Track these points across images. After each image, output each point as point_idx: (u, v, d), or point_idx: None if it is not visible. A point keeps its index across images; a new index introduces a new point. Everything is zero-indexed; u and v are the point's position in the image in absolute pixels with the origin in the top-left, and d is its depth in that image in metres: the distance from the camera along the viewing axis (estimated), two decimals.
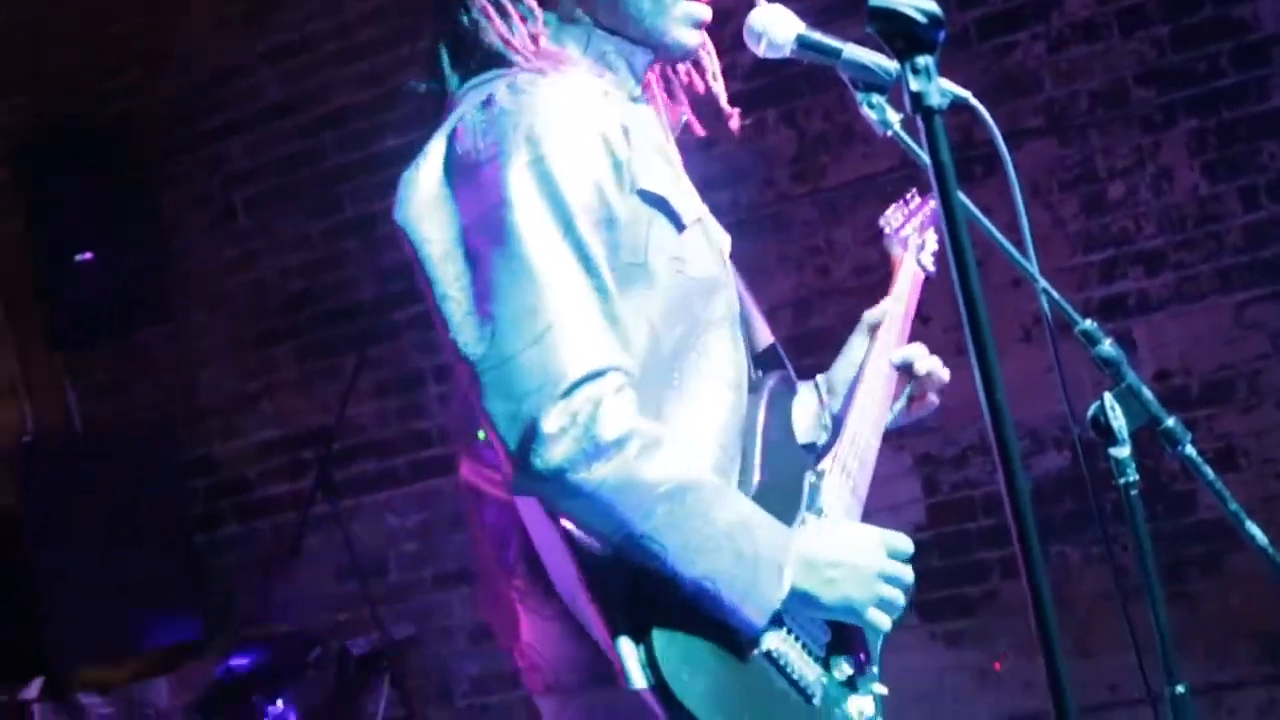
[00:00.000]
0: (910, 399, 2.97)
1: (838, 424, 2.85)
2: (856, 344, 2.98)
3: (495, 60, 2.48)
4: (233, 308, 6.82)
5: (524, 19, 2.49)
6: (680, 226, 2.45)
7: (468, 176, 2.35)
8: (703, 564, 2.28)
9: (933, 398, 2.99)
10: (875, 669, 2.62)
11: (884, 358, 2.91)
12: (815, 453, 2.79)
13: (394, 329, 6.33)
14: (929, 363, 2.96)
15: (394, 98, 6.28)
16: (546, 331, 2.23)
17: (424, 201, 2.38)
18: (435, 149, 2.41)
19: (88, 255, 6.60)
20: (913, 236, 3.19)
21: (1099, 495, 2.64)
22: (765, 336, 2.73)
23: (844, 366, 2.97)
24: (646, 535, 2.26)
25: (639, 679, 2.26)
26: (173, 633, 6.54)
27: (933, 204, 3.25)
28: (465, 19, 2.50)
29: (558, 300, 2.25)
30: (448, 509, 6.32)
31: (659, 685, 2.25)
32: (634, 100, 2.59)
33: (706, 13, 2.59)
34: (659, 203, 2.44)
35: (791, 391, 2.71)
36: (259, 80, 6.72)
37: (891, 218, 3.21)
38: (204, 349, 6.88)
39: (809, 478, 2.62)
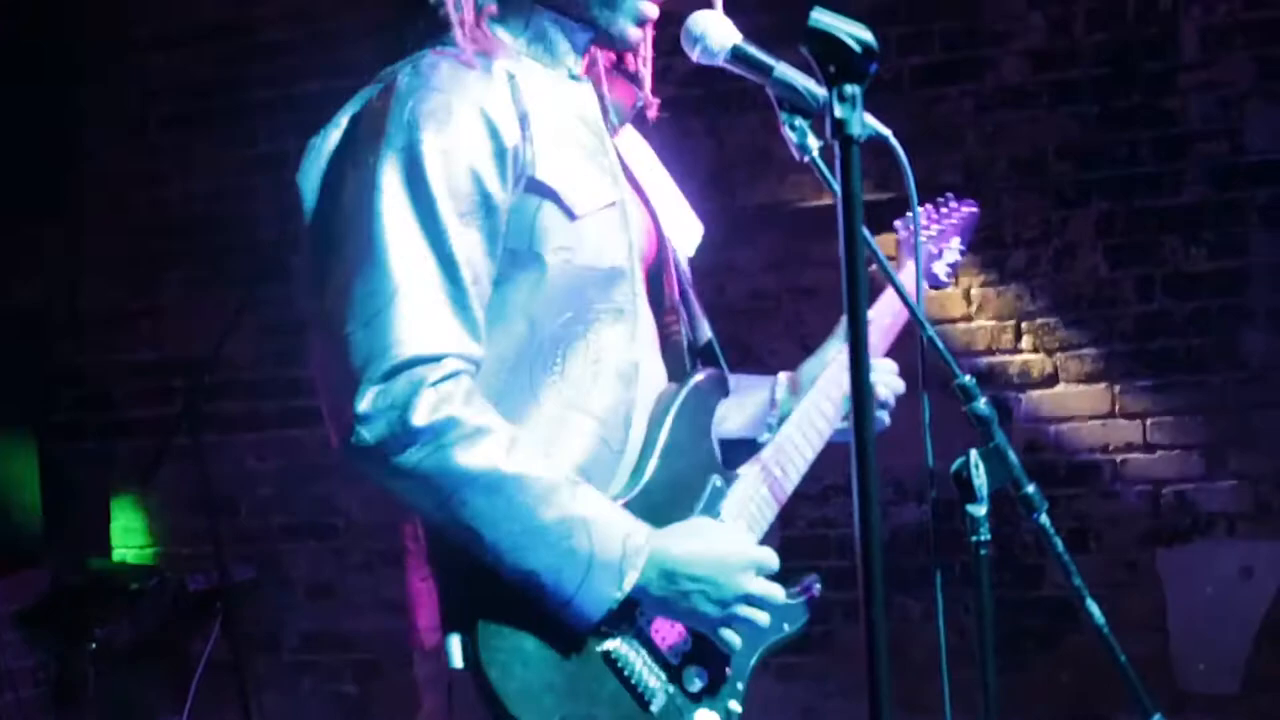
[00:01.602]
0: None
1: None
2: (832, 348, 2.90)
3: (439, 29, 2.48)
4: (130, 221, 6.72)
5: None
6: (572, 216, 2.45)
7: (357, 158, 2.38)
8: (526, 558, 2.32)
9: (882, 416, 2.87)
10: (740, 686, 2.63)
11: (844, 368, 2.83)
12: (754, 450, 2.75)
13: (286, 272, 6.27)
14: (883, 378, 2.87)
15: (326, 39, 6.23)
16: (379, 313, 2.28)
17: (319, 171, 2.43)
18: (343, 121, 2.45)
19: None
20: (928, 244, 3.07)
21: (950, 557, 2.65)
22: (704, 332, 2.72)
23: (811, 367, 2.89)
24: (462, 523, 2.31)
25: (457, 660, 2.33)
26: (12, 536, 6.44)
27: (968, 210, 3.19)
28: None
29: (399, 285, 2.29)
30: (308, 460, 6.26)
31: (476, 674, 2.31)
32: (572, 78, 2.60)
33: (654, 11, 2.59)
34: (548, 192, 2.44)
35: (717, 390, 2.67)
36: None
37: (911, 220, 2.92)
38: (94, 257, 6.78)
39: (714, 480, 2.62)
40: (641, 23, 2.59)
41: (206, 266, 6.57)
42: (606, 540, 2.36)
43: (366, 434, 2.27)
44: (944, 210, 3.14)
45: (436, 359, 2.29)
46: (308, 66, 6.30)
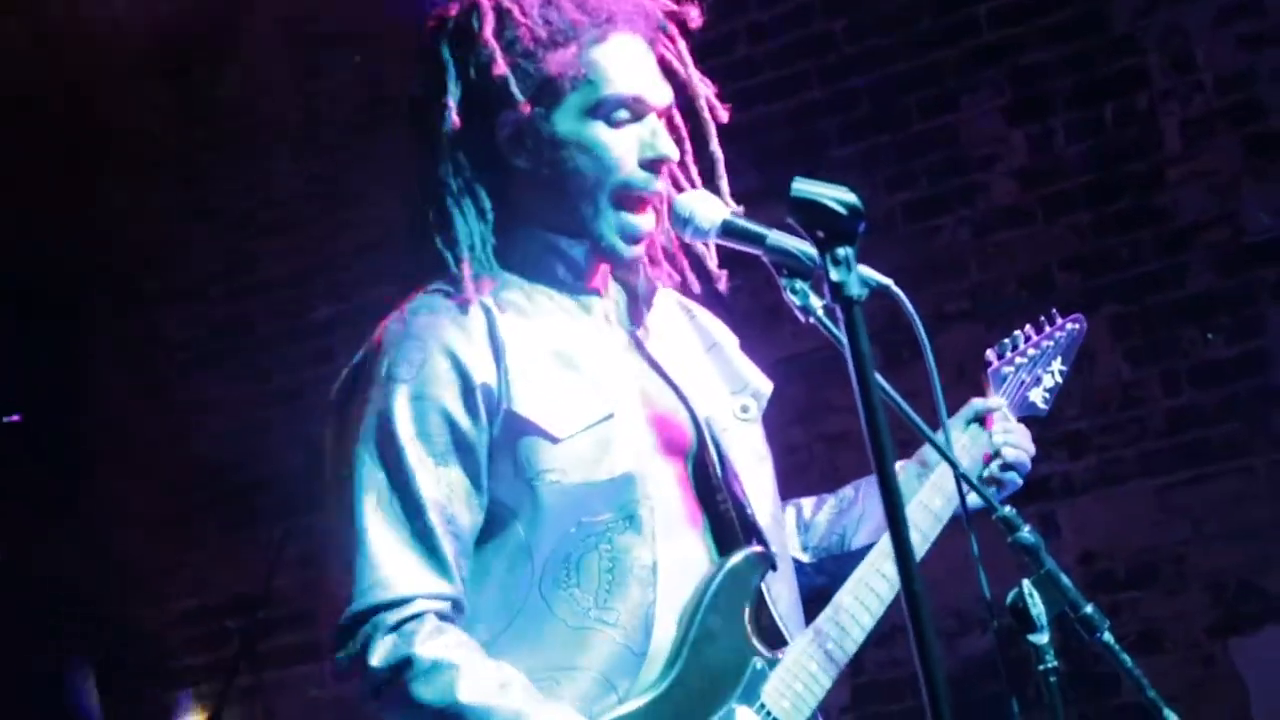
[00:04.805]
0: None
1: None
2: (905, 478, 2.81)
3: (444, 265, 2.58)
4: (158, 474, 6.74)
5: (480, 215, 2.58)
6: (554, 440, 2.51)
7: (345, 414, 2.59)
8: None
9: (1013, 478, 2.84)
10: None
11: (926, 506, 2.76)
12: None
13: (316, 500, 6.27)
14: (1012, 441, 2.84)
15: (328, 266, 6.30)
16: (351, 564, 2.50)
17: (330, 411, 2.63)
18: (344, 372, 2.64)
19: (16, 417, 6.54)
20: (1021, 372, 2.96)
21: (1023, 680, 2.63)
22: (752, 507, 2.70)
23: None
24: None
25: None
26: None
27: (1073, 326, 3.03)
28: (432, 213, 2.59)
29: (367, 535, 2.49)
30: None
31: None
32: (573, 293, 2.64)
33: (646, 224, 2.63)
34: (526, 423, 2.52)
35: (757, 569, 2.65)
36: (191, 247, 6.72)
37: (1001, 348, 2.98)
38: (125, 514, 6.79)
39: (754, 663, 2.61)
40: (634, 240, 2.63)
41: (239, 505, 6.59)
42: None
43: (346, 675, 2.49)
44: (1045, 330, 3.01)
45: (401, 601, 2.47)
46: (312, 296, 6.37)
